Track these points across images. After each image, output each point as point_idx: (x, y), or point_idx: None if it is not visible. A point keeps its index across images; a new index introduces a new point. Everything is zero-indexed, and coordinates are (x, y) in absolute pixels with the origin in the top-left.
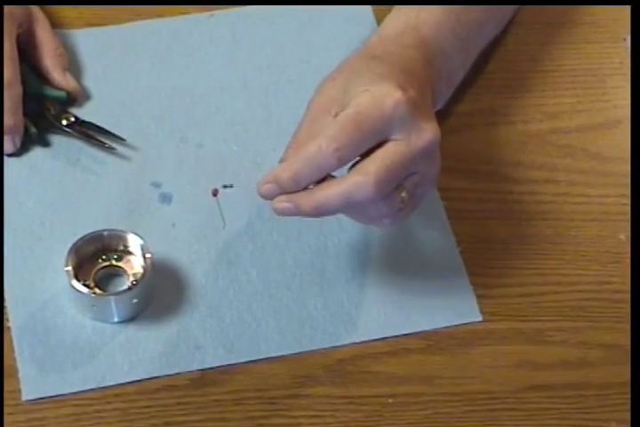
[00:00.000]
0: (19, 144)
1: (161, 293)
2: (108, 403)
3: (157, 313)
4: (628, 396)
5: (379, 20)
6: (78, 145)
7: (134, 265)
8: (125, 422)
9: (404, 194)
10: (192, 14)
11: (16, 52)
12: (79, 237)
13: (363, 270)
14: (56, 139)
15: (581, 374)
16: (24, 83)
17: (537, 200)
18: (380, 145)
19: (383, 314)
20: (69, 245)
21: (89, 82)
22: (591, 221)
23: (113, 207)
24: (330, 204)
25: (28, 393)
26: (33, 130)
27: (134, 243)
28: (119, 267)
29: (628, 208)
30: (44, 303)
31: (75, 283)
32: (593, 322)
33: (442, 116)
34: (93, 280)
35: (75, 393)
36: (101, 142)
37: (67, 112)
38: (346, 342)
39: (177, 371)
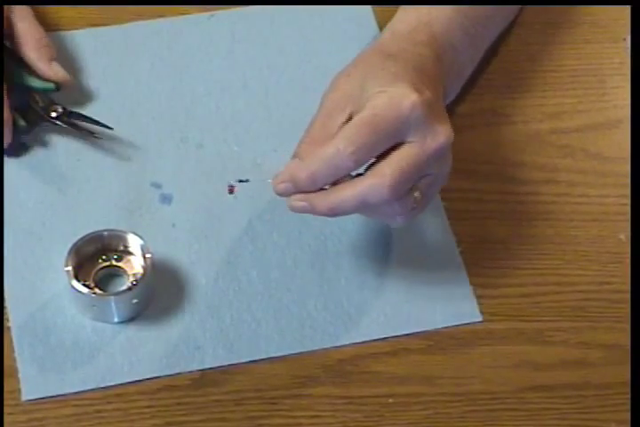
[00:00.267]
0: (10, 138)
1: (161, 293)
2: (108, 403)
3: (157, 313)
4: (628, 396)
5: (379, 20)
6: (77, 145)
7: (134, 265)
8: (126, 423)
9: (417, 194)
10: (192, 14)
11: None
12: (79, 237)
13: (362, 271)
14: (49, 134)
15: (581, 375)
16: (9, 75)
17: (537, 200)
18: (394, 147)
19: (383, 314)
20: (69, 245)
21: (89, 82)
22: (591, 221)
23: (113, 207)
24: (345, 205)
25: (27, 393)
26: (21, 123)
27: (134, 243)
28: (119, 267)
29: (628, 208)
30: (44, 303)
31: (75, 283)
32: (593, 322)
33: None
34: (93, 280)
35: (75, 393)
36: (89, 132)
37: (55, 103)
38: (346, 343)
39: (177, 371)
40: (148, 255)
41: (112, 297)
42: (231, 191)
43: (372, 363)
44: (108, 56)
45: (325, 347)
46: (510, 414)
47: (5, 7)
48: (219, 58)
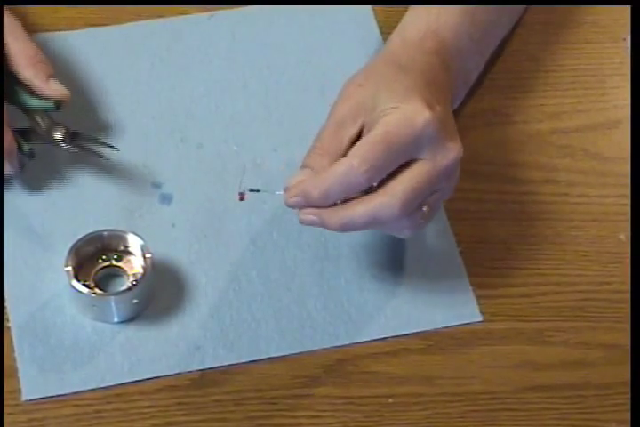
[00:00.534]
0: (17, 164)
1: (161, 293)
2: (108, 403)
3: (157, 313)
4: (628, 396)
5: (379, 20)
6: None
7: (134, 265)
8: (126, 423)
9: (425, 208)
10: (192, 14)
11: None
12: (79, 237)
13: (363, 271)
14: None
15: (581, 374)
16: (8, 97)
17: (537, 200)
18: (406, 163)
19: (383, 314)
20: (69, 245)
21: (89, 82)
22: (591, 221)
23: (113, 207)
24: (356, 221)
25: (27, 393)
26: (26, 148)
27: (134, 243)
28: (119, 267)
29: (628, 208)
30: (44, 303)
31: (75, 283)
32: (593, 322)
33: None
34: (93, 280)
35: (75, 393)
36: (96, 154)
37: (57, 124)
38: (346, 343)
39: (177, 371)
40: (147, 255)
41: (112, 297)
42: (242, 198)
43: (372, 363)
44: (108, 56)
45: (325, 347)
46: (510, 414)
47: None
48: (218, 58)
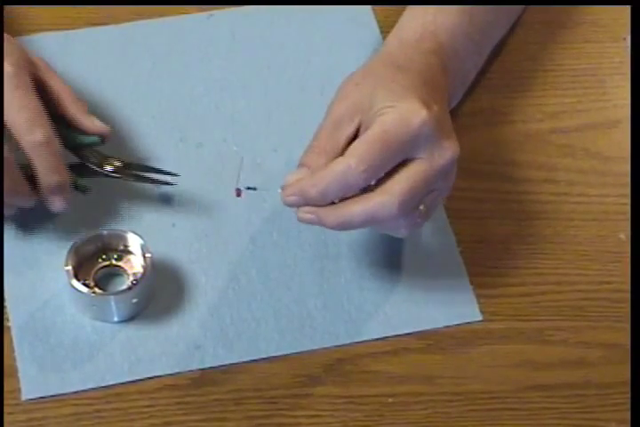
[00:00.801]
0: (70, 200)
1: (161, 292)
2: (108, 402)
3: (157, 313)
4: (628, 395)
5: (379, 20)
6: None
7: (134, 265)
8: (126, 422)
9: (422, 207)
10: (192, 14)
11: (42, 107)
12: (79, 236)
13: (362, 270)
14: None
15: (581, 374)
16: (60, 137)
17: (537, 200)
18: (402, 163)
19: (383, 314)
20: (69, 244)
21: (89, 82)
22: (591, 220)
23: (113, 207)
24: (354, 220)
25: (27, 393)
26: (81, 182)
27: (134, 242)
28: (119, 266)
29: (628, 208)
30: (44, 303)
31: (75, 282)
32: (593, 322)
33: None
34: (93, 280)
35: (75, 393)
36: (155, 181)
37: (108, 157)
38: (346, 342)
39: (177, 370)
40: (147, 255)
41: (112, 297)
42: (238, 194)
43: (372, 362)
44: (108, 56)
45: (325, 346)
46: (510, 413)
47: (30, 63)
48: (218, 57)
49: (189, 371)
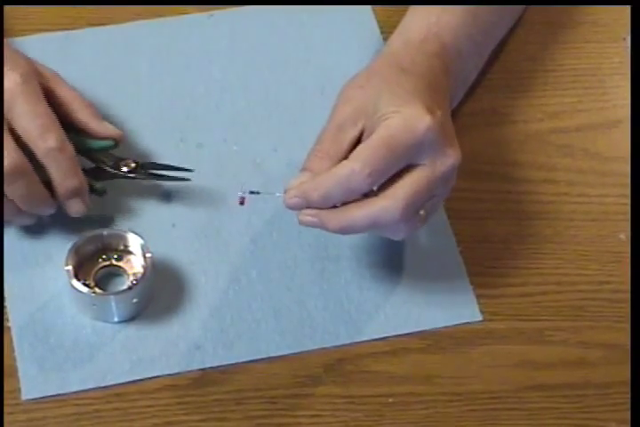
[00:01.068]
0: (88, 203)
1: (161, 293)
2: (108, 403)
3: (157, 313)
4: (628, 395)
5: (379, 20)
6: None
7: (134, 265)
8: (126, 422)
9: (422, 212)
10: (192, 14)
11: (53, 114)
12: (79, 236)
13: (362, 271)
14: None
15: (581, 374)
16: (72, 143)
17: (537, 200)
18: (404, 169)
19: (383, 314)
20: (69, 244)
21: (89, 82)
22: (591, 220)
23: (113, 207)
24: (356, 225)
25: (27, 393)
26: (97, 185)
27: (134, 242)
28: (119, 266)
29: (628, 208)
30: (44, 303)
31: (75, 282)
32: (593, 322)
33: None
34: (93, 280)
35: (75, 393)
36: (173, 178)
37: (123, 159)
38: (346, 342)
39: (177, 371)
40: (148, 255)
41: (112, 297)
42: (242, 202)
43: (372, 362)
44: (108, 56)
45: (325, 346)
46: (510, 413)
47: (38, 73)
48: (218, 58)
49: (189, 371)
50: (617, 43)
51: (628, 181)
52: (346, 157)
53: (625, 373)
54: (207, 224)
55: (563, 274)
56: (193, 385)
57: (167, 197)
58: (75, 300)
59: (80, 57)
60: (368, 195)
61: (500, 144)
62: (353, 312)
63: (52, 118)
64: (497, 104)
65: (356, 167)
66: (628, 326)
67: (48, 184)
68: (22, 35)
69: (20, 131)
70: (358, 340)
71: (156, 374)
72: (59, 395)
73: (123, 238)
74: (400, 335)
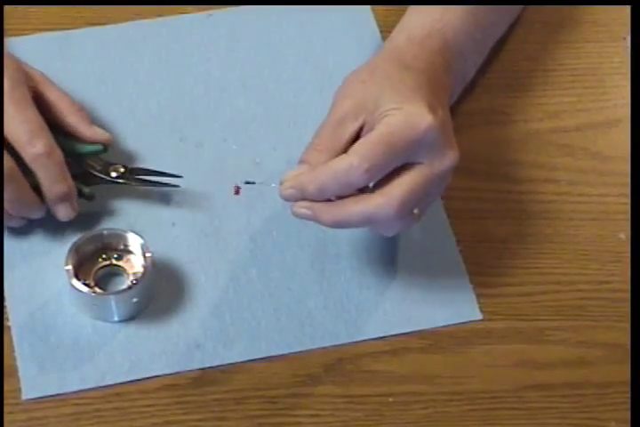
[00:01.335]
0: (77, 207)
1: (161, 292)
2: (108, 402)
3: (157, 312)
4: (628, 395)
5: (378, 20)
6: None
7: (134, 264)
8: (126, 422)
9: (416, 211)
10: (191, 14)
11: (42, 119)
12: (79, 236)
13: (362, 269)
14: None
15: (581, 374)
16: (60, 146)
17: (537, 199)
18: (401, 166)
19: (383, 313)
20: (69, 244)
21: (88, 82)
22: (591, 220)
23: (113, 207)
24: (350, 220)
25: (28, 392)
26: (86, 190)
27: (134, 242)
28: (119, 266)
29: (628, 207)
30: (44, 303)
31: (75, 282)
32: (593, 321)
33: None
34: (93, 279)
35: (75, 392)
36: (160, 184)
37: (111, 164)
38: (346, 341)
39: (177, 370)
40: (148, 254)
41: (112, 296)
42: (237, 192)
43: (372, 362)
44: (107, 56)
45: (325, 346)
46: (510, 413)
47: (29, 78)
48: (218, 57)
49: (189, 370)
50: (617, 42)
51: (628, 180)
52: (344, 152)
53: (625, 372)
54: (207, 223)
55: (562, 274)
56: (193, 385)
57: (167, 196)
58: (75, 299)
59: (80, 57)
60: (363, 191)
61: (500, 144)
62: (353, 311)
63: (41, 123)
64: (497, 104)
65: (355, 162)
66: (627, 325)
67: (37, 189)
68: (22, 34)
69: (8, 135)
70: (358, 339)
71: (155, 374)
72: (58, 395)
73: (123, 238)
74: (400, 335)
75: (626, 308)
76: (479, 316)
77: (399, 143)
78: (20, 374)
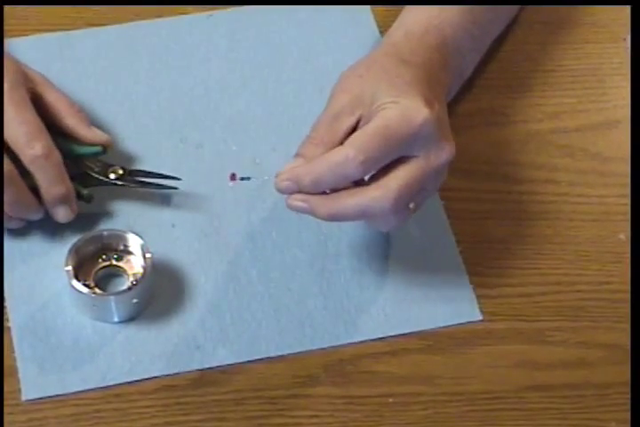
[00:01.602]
0: (76, 209)
1: (161, 293)
2: (107, 403)
3: (157, 313)
4: (628, 396)
5: (378, 20)
6: None
7: (134, 265)
8: (125, 422)
9: (411, 205)
10: (191, 14)
11: (40, 120)
12: (79, 236)
13: (362, 270)
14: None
15: (581, 374)
16: (58, 147)
17: (537, 200)
18: (397, 160)
19: (383, 314)
20: (69, 244)
21: (89, 82)
22: (591, 221)
23: (113, 207)
24: (346, 213)
25: (27, 393)
26: (84, 192)
27: (134, 243)
28: (119, 267)
29: (628, 208)
30: (44, 303)
31: (75, 283)
32: (593, 322)
33: None
34: (93, 280)
35: (75, 393)
36: (158, 186)
37: (110, 165)
38: (346, 342)
39: (177, 371)
40: (147, 255)
41: (112, 297)
42: (233, 178)
43: (372, 363)
44: (107, 56)
45: (325, 347)
46: (510, 413)
47: (27, 79)
48: (218, 57)
49: (189, 371)
50: (617, 43)
51: (628, 181)
52: (340, 145)
53: (625, 373)
54: (207, 224)
55: (563, 274)
56: (192, 385)
57: (167, 197)
58: (75, 300)
59: (79, 57)
60: (359, 184)
61: (500, 144)
62: (353, 312)
63: (39, 125)
64: (496, 104)
65: (350, 154)
66: (628, 326)
67: (35, 190)
68: (21, 35)
69: (7, 137)
70: (358, 339)
71: (155, 375)
72: (58, 395)
73: (122, 239)
74: (400, 336)
75: (626, 308)
76: (479, 316)
77: (395, 136)
78: (20, 374)
